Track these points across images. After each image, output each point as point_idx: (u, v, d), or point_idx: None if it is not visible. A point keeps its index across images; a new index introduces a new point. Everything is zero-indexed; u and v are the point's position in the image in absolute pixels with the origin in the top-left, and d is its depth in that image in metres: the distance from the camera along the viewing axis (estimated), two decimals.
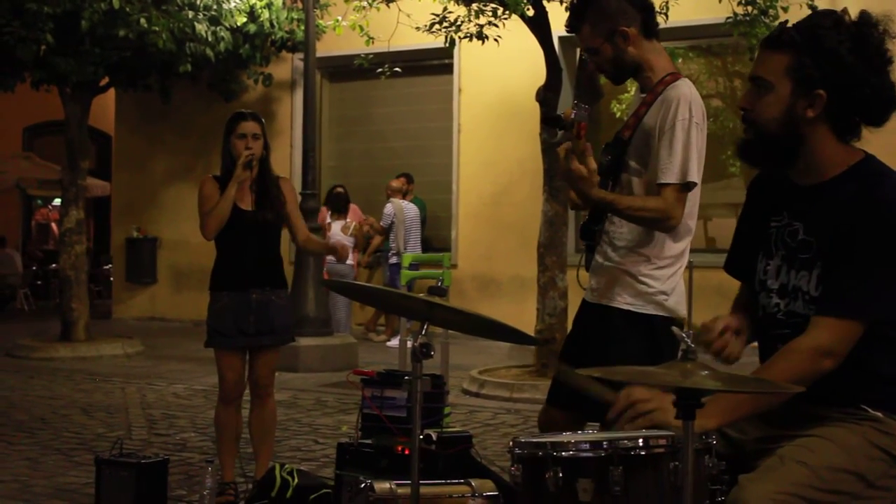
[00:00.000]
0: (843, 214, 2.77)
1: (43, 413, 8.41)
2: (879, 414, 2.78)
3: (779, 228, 2.94)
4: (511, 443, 2.82)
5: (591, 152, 3.49)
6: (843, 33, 2.77)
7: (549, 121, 4.47)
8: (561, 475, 2.64)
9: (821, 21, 2.80)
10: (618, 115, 12.21)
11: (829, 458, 2.69)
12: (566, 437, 2.82)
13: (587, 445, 2.66)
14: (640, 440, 2.64)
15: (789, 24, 2.86)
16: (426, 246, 13.77)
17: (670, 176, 3.55)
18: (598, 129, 12.51)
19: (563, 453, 2.66)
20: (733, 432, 2.93)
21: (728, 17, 9.77)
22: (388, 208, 13.15)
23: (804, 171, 2.90)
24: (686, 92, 3.62)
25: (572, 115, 3.51)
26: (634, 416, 2.70)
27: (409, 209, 13.28)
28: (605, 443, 2.64)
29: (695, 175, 3.57)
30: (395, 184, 13.44)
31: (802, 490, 2.62)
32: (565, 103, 10.18)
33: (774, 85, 2.82)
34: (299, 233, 5.71)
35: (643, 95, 3.77)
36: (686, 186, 3.57)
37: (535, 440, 2.78)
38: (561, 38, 11.09)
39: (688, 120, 3.57)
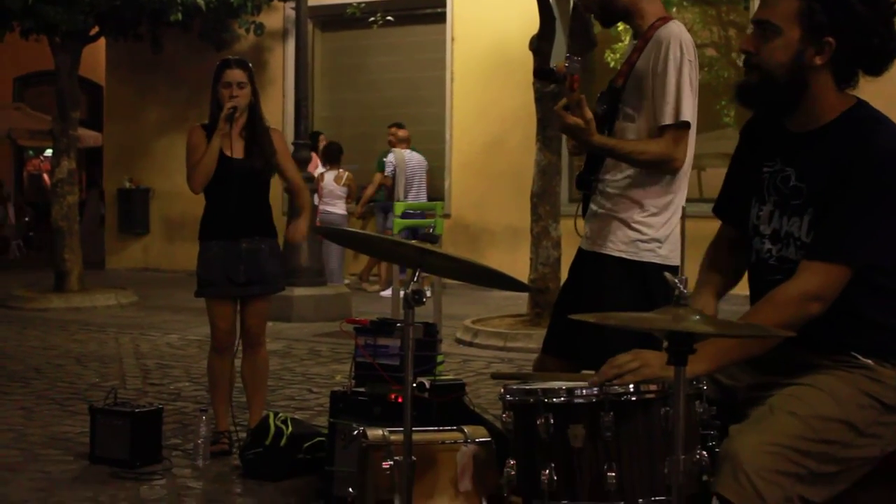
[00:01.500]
0: (837, 160, 2.76)
1: (37, 363, 8.43)
2: (870, 361, 2.78)
3: (771, 174, 2.93)
4: (502, 390, 2.82)
5: (585, 103, 3.48)
6: None
7: (542, 74, 4.44)
8: (552, 421, 2.65)
9: None
10: (612, 64, 12.12)
11: (820, 408, 2.69)
12: (557, 383, 2.82)
13: (578, 392, 2.67)
14: (631, 386, 2.64)
15: None
16: None
17: (667, 117, 3.54)
18: (593, 78, 12.43)
19: (554, 399, 2.67)
20: (725, 379, 2.93)
21: None
22: (390, 157, 13.09)
23: (800, 118, 2.88)
24: (675, 31, 3.60)
25: (565, 68, 3.48)
26: (621, 375, 2.70)
27: (412, 158, 13.20)
28: (595, 388, 2.65)
29: (687, 114, 3.55)
30: (401, 133, 13.29)
31: (793, 441, 2.62)
32: (559, 52, 10.14)
33: (783, 29, 2.78)
34: (294, 178, 5.71)
35: (636, 42, 3.75)
36: (684, 125, 3.56)
37: (526, 387, 2.79)
38: None
39: (679, 58, 3.55)
